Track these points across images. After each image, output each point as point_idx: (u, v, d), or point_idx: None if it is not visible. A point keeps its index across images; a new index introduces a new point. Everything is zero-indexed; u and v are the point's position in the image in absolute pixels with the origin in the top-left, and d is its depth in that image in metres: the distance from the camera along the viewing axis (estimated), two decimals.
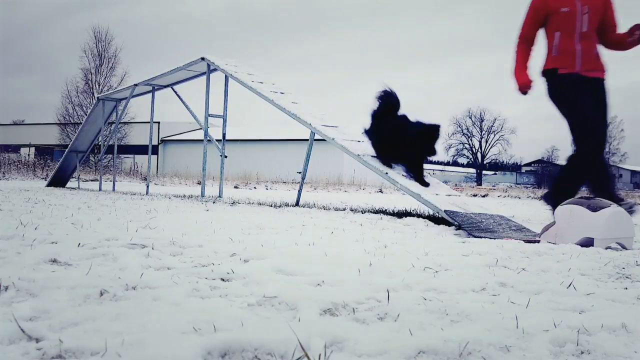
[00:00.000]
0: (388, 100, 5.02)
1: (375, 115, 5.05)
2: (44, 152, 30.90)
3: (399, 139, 4.75)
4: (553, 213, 4.20)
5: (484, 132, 61.59)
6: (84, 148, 10.01)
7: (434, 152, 4.70)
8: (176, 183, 18.74)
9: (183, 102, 8.64)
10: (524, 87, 4.58)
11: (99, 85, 32.56)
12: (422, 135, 4.67)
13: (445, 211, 4.15)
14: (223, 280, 1.84)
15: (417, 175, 4.84)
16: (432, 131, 4.67)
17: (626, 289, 1.96)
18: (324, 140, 5.69)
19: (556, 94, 4.55)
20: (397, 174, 4.93)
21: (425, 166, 5.13)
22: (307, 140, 6.21)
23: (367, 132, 5.18)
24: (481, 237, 3.61)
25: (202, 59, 7.30)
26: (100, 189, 9.45)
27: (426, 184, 4.77)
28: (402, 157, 4.90)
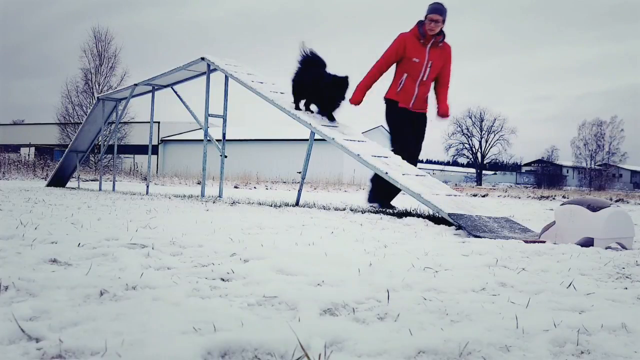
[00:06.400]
0: (311, 56, 6.04)
1: (301, 65, 6.06)
2: (44, 152, 30.87)
3: (317, 86, 5.86)
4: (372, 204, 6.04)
5: (484, 132, 61.54)
6: (84, 148, 10.00)
7: (343, 98, 5.85)
8: (176, 183, 18.74)
9: (183, 102, 8.64)
10: (357, 103, 5.98)
11: (99, 85, 32.53)
12: (335, 84, 5.76)
13: (450, 214, 4.13)
14: (223, 280, 1.84)
15: (328, 114, 6.00)
16: (342, 81, 5.74)
17: (626, 289, 1.96)
18: (324, 140, 5.69)
19: (391, 119, 5.97)
20: (397, 173, 4.93)
21: (426, 166, 5.18)
22: (307, 140, 6.21)
23: (293, 80, 6.13)
24: (481, 237, 3.61)
25: (202, 58, 7.29)
26: (100, 189, 9.45)
27: (333, 119, 5.98)
28: (318, 100, 6.05)
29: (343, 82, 5.75)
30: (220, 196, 7.32)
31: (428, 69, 5.78)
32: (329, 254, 2.40)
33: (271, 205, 6.03)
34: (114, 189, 9.46)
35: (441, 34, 5.74)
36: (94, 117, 9.69)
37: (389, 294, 1.65)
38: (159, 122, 37.74)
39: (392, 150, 5.82)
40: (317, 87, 5.85)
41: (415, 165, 5.77)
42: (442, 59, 5.87)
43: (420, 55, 5.73)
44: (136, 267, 1.96)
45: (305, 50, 6.04)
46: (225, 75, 7.11)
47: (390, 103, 5.95)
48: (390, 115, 5.99)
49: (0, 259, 2.01)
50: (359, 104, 5.99)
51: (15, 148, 33.20)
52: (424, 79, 5.83)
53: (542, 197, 16.43)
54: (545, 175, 56.48)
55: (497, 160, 65.17)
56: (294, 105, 6.18)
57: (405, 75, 5.80)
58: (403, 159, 5.57)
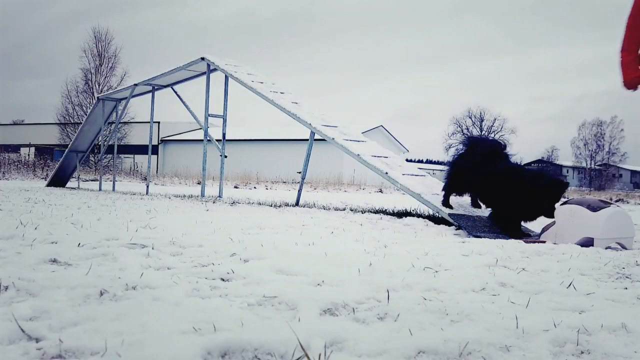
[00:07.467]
0: (491, 143, 4.28)
1: (474, 151, 4.24)
2: (44, 152, 30.88)
3: (509, 188, 3.87)
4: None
5: (484, 132, 61.59)
6: (84, 148, 10.01)
7: (551, 215, 3.72)
8: (176, 183, 18.74)
9: (183, 102, 8.64)
10: (636, 84, 3.72)
11: (99, 85, 32.53)
12: (545, 190, 3.72)
13: (450, 214, 4.13)
14: (223, 280, 1.84)
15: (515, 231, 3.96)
16: (561, 187, 3.75)
17: (626, 289, 1.96)
18: (324, 140, 5.69)
19: None
20: (397, 173, 4.94)
21: (426, 166, 5.03)
22: (307, 140, 6.21)
23: (455, 164, 4.38)
24: (481, 237, 3.61)
25: (202, 58, 7.30)
26: (100, 189, 9.45)
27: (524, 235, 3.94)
28: (506, 202, 3.94)
29: (562, 188, 3.77)
30: (220, 196, 7.32)
31: None
32: (329, 254, 2.40)
33: (271, 205, 6.03)
34: (114, 189, 9.45)
35: None
36: (94, 117, 9.70)
37: (389, 294, 1.65)
38: (159, 122, 37.72)
39: None
40: (508, 185, 3.88)
41: None
42: None
43: None
44: (136, 267, 1.96)
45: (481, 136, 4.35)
46: (225, 75, 7.12)
47: None
48: None
49: (0, 259, 2.01)
50: (637, 86, 3.71)
51: (15, 148, 33.20)
52: None
53: None
54: None
55: None
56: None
57: None
58: None
